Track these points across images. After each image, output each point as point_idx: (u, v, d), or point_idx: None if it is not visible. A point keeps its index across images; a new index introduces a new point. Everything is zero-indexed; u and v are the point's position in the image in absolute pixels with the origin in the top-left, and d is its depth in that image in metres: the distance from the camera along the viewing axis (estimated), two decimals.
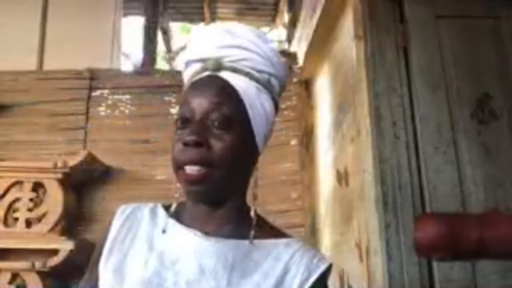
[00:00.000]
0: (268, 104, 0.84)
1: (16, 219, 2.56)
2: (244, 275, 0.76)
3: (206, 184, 0.76)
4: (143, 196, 2.86)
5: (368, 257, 1.73)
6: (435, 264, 1.54)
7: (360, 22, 1.82)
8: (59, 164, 2.58)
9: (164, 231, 0.82)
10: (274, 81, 0.85)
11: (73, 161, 2.62)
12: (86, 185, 2.89)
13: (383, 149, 1.65)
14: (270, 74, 0.84)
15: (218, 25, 0.89)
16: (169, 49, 5.59)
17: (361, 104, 1.80)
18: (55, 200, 2.57)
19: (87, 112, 3.04)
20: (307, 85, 3.04)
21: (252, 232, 0.79)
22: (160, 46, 4.86)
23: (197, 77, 0.82)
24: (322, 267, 0.78)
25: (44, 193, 2.61)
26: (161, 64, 5.94)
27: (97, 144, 2.97)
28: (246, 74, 0.81)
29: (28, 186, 2.60)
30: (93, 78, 3.09)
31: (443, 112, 1.70)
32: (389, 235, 1.57)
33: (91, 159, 2.71)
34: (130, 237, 0.83)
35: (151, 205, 0.88)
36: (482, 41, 1.80)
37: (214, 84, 0.80)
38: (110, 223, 0.86)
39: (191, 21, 4.93)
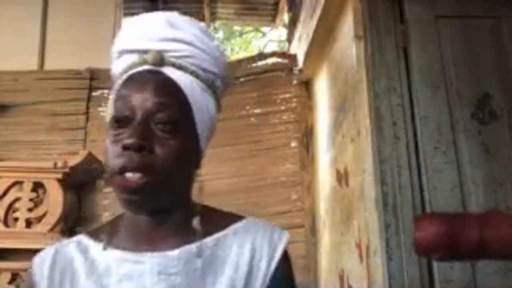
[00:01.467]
0: (212, 106, 0.78)
1: (16, 219, 2.56)
2: (217, 275, 0.73)
3: (148, 193, 0.68)
4: None
5: (368, 257, 1.73)
6: (435, 264, 1.54)
7: (360, 22, 1.82)
8: (59, 164, 2.58)
9: (107, 268, 0.73)
10: (218, 83, 0.79)
11: (73, 161, 2.62)
12: (86, 185, 2.89)
13: (383, 149, 1.65)
14: (215, 75, 0.78)
15: (158, 14, 0.78)
16: None
17: (361, 104, 1.80)
18: (55, 200, 2.57)
19: (87, 112, 3.03)
20: (307, 85, 3.04)
21: (199, 244, 0.73)
22: None
23: (134, 70, 0.73)
24: (283, 242, 0.78)
25: (44, 193, 2.61)
26: None
27: (97, 144, 2.97)
28: (192, 73, 0.74)
29: (28, 186, 2.60)
30: (93, 78, 3.08)
31: (443, 112, 1.70)
32: (389, 235, 1.57)
33: (91, 159, 2.71)
34: (68, 283, 0.74)
35: (74, 241, 0.78)
36: (482, 41, 1.80)
37: (159, 81, 0.71)
38: (30, 281, 0.76)
39: None
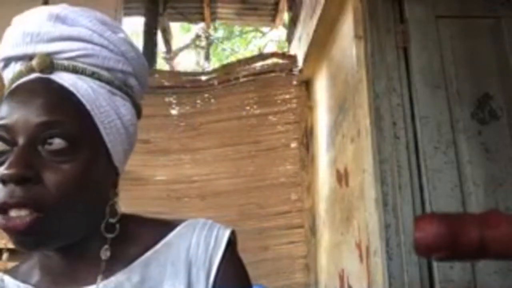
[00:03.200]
0: (127, 111, 0.64)
1: None
2: None
3: (41, 232, 0.55)
4: (143, 196, 2.86)
5: (368, 257, 1.73)
6: (435, 264, 1.54)
7: (360, 22, 1.82)
8: None
9: None
10: (132, 81, 0.66)
11: None
12: None
13: (383, 149, 1.65)
14: (126, 73, 0.65)
15: (43, 8, 0.63)
16: (169, 49, 5.60)
17: (361, 104, 1.80)
18: None
19: None
20: (307, 85, 3.04)
21: (125, 272, 0.62)
22: (160, 46, 4.87)
23: (20, 81, 0.60)
24: (223, 242, 0.65)
25: None
26: (161, 64, 5.95)
27: None
28: (92, 75, 0.61)
29: None
30: None
31: (443, 112, 1.70)
32: (389, 235, 1.57)
33: None
34: None
35: None
36: (482, 41, 1.80)
37: (46, 91, 0.58)
38: None
39: (191, 21, 4.94)
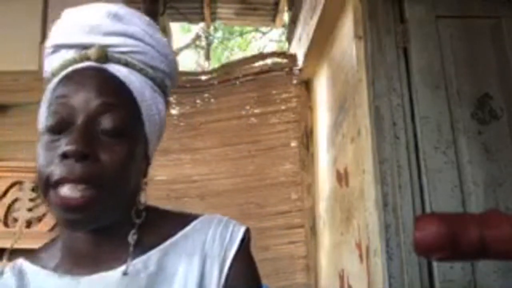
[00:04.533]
0: (162, 107, 0.71)
1: (16, 219, 2.56)
2: None
3: (93, 209, 0.59)
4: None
5: (368, 257, 1.73)
6: (435, 264, 1.54)
7: (360, 22, 1.82)
8: None
9: None
10: (168, 82, 0.72)
11: None
12: None
13: (383, 149, 1.65)
14: (165, 73, 0.71)
15: (101, 5, 0.68)
16: None
17: (361, 104, 1.80)
18: None
19: None
20: (307, 85, 3.04)
21: (143, 259, 0.65)
22: None
23: (73, 67, 0.65)
24: (238, 238, 0.68)
25: None
26: None
27: None
28: (140, 70, 0.66)
29: (28, 186, 2.60)
30: None
31: (443, 112, 1.70)
32: (389, 235, 1.57)
33: None
34: None
35: (11, 267, 0.71)
36: (482, 41, 1.80)
37: (103, 79, 0.63)
38: None
39: (191, 21, 4.93)
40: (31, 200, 2.58)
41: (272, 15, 4.38)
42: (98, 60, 0.64)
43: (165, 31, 4.74)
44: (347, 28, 2.08)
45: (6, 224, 2.55)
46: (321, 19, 2.33)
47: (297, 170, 2.93)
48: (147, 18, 0.71)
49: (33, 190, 2.60)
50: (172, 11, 4.38)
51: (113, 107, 0.62)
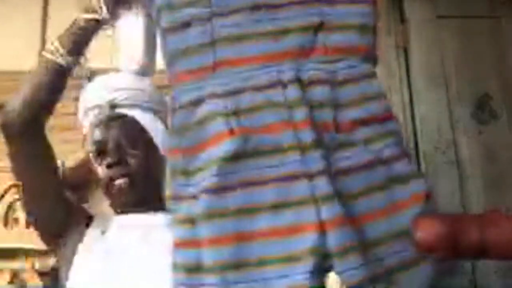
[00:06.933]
0: (160, 125, 1.04)
1: (16, 219, 2.56)
2: None
3: (133, 190, 0.97)
4: None
5: None
6: None
7: None
8: (59, 164, 2.58)
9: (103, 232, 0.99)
10: (159, 107, 1.06)
11: (72, 162, 2.62)
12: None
13: None
14: (154, 106, 1.07)
15: (130, 76, 1.11)
16: None
17: None
18: None
19: None
20: None
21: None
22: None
23: (99, 118, 1.03)
24: None
25: None
26: (161, 64, 5.96)
27: None
28: (138, 107, 1.03)
29: None
30: (93, 78, 3.08)
31: (443, 112, 1.70)
32: None
33: (90, 159, 2.70)
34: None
35: None
36: (482, 41, 1.80)
37: (117, 118, 1.01)
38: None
39: None
40: None
41: None
42: (111, 108, 1.06)
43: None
44: None
45: (6, 224, 2.55)
46: None
47: None
48: (137, 76, 1.13)
49: None
50: None
51: (128, 132, 1.03)
